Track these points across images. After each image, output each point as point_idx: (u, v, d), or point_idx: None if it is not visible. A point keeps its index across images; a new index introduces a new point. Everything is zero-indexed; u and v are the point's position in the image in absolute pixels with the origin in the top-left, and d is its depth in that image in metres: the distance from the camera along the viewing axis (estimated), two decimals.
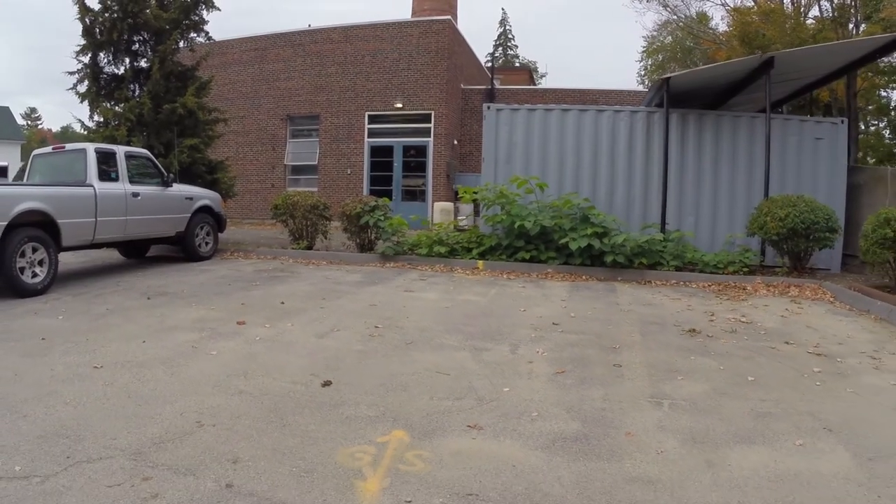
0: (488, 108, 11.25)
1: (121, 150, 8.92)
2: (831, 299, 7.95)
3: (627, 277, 9.19)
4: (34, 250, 7.31)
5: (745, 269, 9.33)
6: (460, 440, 3.26)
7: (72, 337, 5.27)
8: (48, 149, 9.30)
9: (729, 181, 10.79)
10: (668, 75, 10.11)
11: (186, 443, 3.16)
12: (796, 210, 8.70)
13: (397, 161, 18.24)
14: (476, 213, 13.85)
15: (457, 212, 16.72)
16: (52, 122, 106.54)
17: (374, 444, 3.17)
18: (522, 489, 2.74)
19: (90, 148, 8.48)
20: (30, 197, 7.35)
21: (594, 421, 3.60)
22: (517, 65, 50.47)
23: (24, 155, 44.05)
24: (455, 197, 17.90)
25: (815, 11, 25.43)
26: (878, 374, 4.70)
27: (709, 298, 7.87)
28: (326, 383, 4.09)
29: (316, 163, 18.84)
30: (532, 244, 9.69)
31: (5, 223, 6.93)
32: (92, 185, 8.20)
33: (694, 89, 11.90)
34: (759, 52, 11.47)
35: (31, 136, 61.03)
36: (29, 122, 76.79)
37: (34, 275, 7.29)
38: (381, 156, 18.34)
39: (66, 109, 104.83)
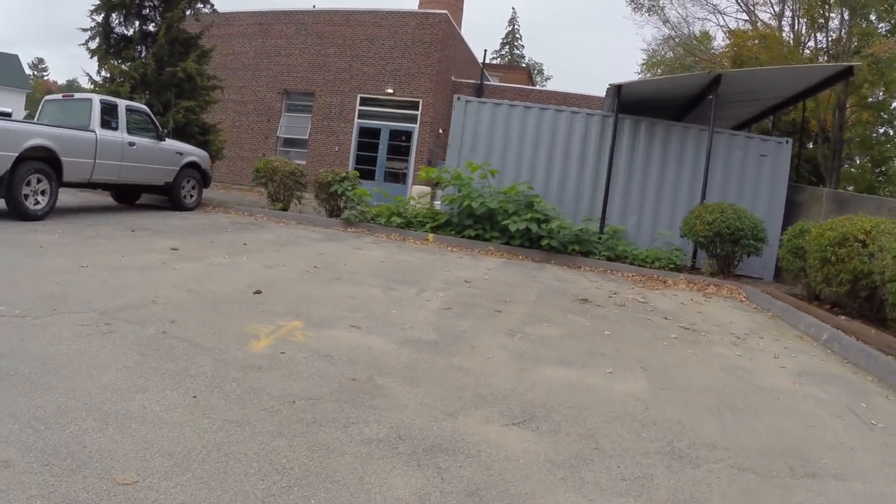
0: (458, 98, 12.40)
1: (122, 104, 10.04)
2: (743, 299, 8.67)
3: (561, 261, 10.33)
4: (38, 181, 8.39)
5: (672, 266, 10.34)
6: (339, 332, 4.45)
7: (65, 248, 6.43)
8: (58, 96, 10.42)
9: (673, 186, 11.87)
10: (621, 82, 11.19)
11: (141, 311, 4.34)
12: (724, 216, 9.59)
13: (383, 143, 19.36)
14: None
15: (434, 196, 17.79)
16: (57, 74, 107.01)
17: (274, 325, 4.37)
18: (366, 359, 3.91)
19: (96, 98, 9.61)
20: (39, 134, 8.46)
21: (451, 336, 4.73)
22: (523, 65, 51.49)
23: (29, 104, 44.93)
24: (434, 183, 19.02)
25: (811, 43, 26.45)
26: (732, 347, 5.36)
27: (625, 284, 8.86)
28: (257, 292, 5.29)
29: (307, 137, 19.95)
30: (479, 224, 10.87)
31: (16, 154, 8.03)
32: (94, 131, 9.32)
33: (652, 99, 12.96)
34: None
35: (36, 86, 61.63)
36: (35, 73, 77.20)
37: (36, 202, 8.38)
38: (368, 137, 19.45)
39: (72, 63, 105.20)
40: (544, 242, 10.35)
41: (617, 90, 11.48)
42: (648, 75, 39.97)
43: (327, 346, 4.05)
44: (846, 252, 6.88)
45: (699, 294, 8.78)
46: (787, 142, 12.04)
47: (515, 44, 60.52)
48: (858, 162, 33.35)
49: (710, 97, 11.67)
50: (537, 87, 23.35)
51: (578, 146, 12.06)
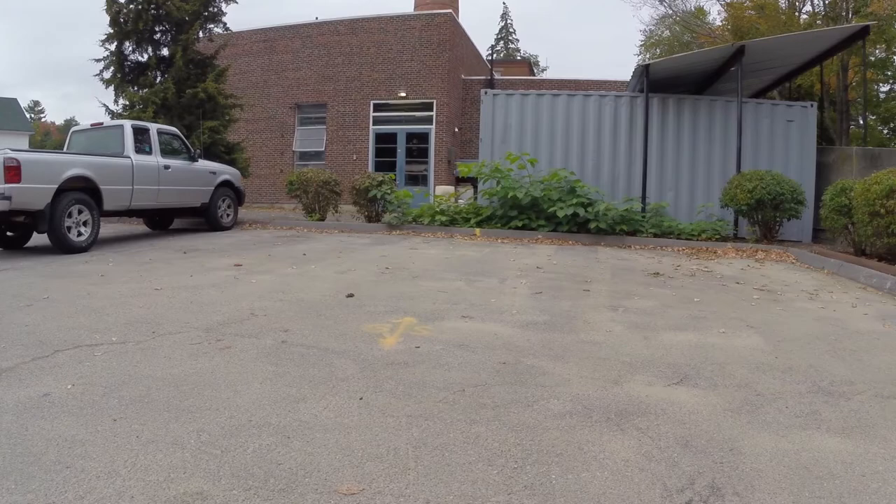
0: (485, 93, 12.22)
1: (153, 127, 9.86)
2: (793, 261, 8.75)
3: (609, 242, 10.17)
4: (80, 212, 8.16)
5: (718, 237, 10.33)
6: (455, 323, 4.25)
7: (126, 275, 6.22)
8: (87, 125, 10.21)
9: (706, 160, 11.83)
10: (648, 62, 11.07)
11: (245, 323, 4.13)
12: (763, 183, 9.61)
13: (401, 147, 19.19)
14: (475, 194, 14.74)
15: (458, 195, 17.62)
16: (54, 115, 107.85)
17: (390, 323, 4.17)
18: (501, 344, 3.73)
19: (127, 124, 9.43)
20: (77, 164, 8.26)
21: (560, 316, 4.60)
22: (518, 58, 51.35)
23: (33, 147, 44.85)
24: (456, 181, 18.84)
25: (808, 7, 26.38)
26: (810, 302, 5.55)
27: (680, 257, 8.83)
28: (350, 295, 5.09)
29: (323, 149, 19.79)
30: (524, 214, 10.69)
31: (56, 186, 7.82)
32: (129, 157, 9.14)
33: (675, 76, 12.84)
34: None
35: (34, 128, 61.58)
36: (32, 115, 77.10)
37: (79, 234, 8.15)
38: (385, 142, 19.28)
39: (67, 104, 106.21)
40: (592, 225, 10.18)
41: (645, 69, 11.42)
42: (648, 56, 39.80)
43: (454, 336, 3.86)
44: (895, 203, 7.00)
45: (751, 260, 8.79)
46: (811, 105, 12.10)
47: (510, 38, 60.37)
48: (862, 122, 33.22)
49: (733, 69, 11.64)
50: (549, 78, 23.17)
51: (609, 128, 11.96)
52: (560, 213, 10.12)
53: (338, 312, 4.47)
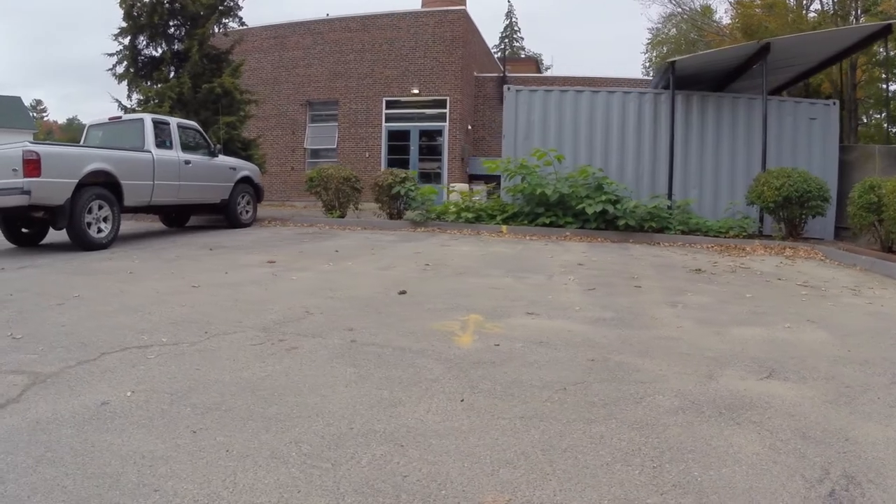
0: (508, 89, 12.02)
1: (174, 121, 9.62)
2: (822, 258, 8.66)
3: (638, 239, 10.00)
4: (100, 208, 7.89)
5: (745, 234, 10.20)
6: (523, 320, 4.05)
7: (156, 272, 5.98)
8: (104, 119, 9.95)
9: (730, 157, 11.68)
10: (674, 59, 10.91)
11: (303, 322, 3.91)
12: (791, 180, 9.51)
13: (414, 145, 18.97)
14: (490, 192, 14.53)
15: (471, 193, 17.39)
16: (56, 114, 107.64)
17: (457, 321, 3.96)
18: (580, 341, 3.55)
19: (147, 118, 9.19)
20: (97, 158, 8.01)
21: (625, 312, 4.45)
22: (523, 56, 51.13)
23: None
24: (468, 178, 18.64)
25: (816, 5, 26.32)
26: (856, 297, 5.47)
27: (712, 254, 8.71)
28: (402, 292, 4.88)
29: (335, 146, 19.57)
30: (551, 211, 10.48)
31: (76, 181, 7.57)
32: (150, 151, 8.89)
33: (698, 73, 12.70)
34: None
35: (37, 126, 61.17)
36: (34, 114, 76.73)
37: (99, 230, 7.88)
38: (398, 140, 19.06)
39: (69, 103, 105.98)
40: (621, 223, 10.00)
41: (671, 66, 11.28)
42: (654, 54, 39.85)
43: (529, 334, 3.68)
44: None
45: (781, 257, 8.69)
46: (834, 103, 11.98)
47: (515, 37, 60.04)
48: (866, 120, 33.32)
49: (755, 66, 11.52)
50: (561, 75, 22.96)
51: (633, 125, 11.80)
52: (589, 210, 9.93)
53: (397, 310, 4.26)
